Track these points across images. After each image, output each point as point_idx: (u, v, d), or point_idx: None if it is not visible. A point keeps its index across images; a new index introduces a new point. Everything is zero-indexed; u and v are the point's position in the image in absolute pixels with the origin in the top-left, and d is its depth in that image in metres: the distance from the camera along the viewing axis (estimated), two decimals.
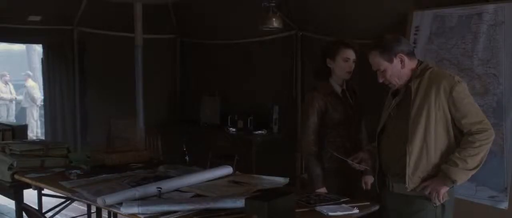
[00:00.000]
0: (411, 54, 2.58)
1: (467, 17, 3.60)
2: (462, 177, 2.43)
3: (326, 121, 3.04)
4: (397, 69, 2.54)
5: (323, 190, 2.95)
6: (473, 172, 2.43)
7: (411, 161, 2.47)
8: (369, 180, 3.23)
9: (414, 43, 3.85)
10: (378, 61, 2.55)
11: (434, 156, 2.47)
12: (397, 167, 2.55)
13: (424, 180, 2.49)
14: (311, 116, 3.03)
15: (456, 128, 2.46)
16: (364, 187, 3.23)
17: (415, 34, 3.93)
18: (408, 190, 2.50)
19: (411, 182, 2.49)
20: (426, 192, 2.48)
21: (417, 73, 2.53)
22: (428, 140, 2.45)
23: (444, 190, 2.46)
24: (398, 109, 2.59)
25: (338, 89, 3.09)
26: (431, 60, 3.68)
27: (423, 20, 3.88)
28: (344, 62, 3.04)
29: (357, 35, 3.83)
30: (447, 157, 2.46)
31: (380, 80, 2.58)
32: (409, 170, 2.48)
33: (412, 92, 2.49)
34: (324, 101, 3.03)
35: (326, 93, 3.05)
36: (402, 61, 2.53)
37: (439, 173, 2.46)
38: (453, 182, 2.44)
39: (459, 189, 3.22)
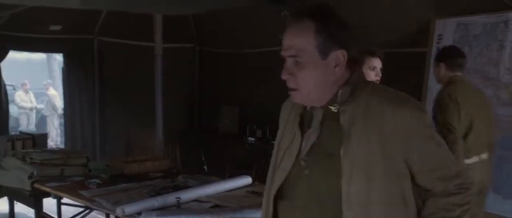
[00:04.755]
0: (353, 60, 1.48)
1: (492, 25, 3.53)
2: None
3: None
4: (323, 72, 1.44)
5: None
6: None
7: None
8: None
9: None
10: (303, 42, 1.43)
11: None
12: None
13: None
14: None
15: (417, 187, 1.48)
16: None
17: (438, 42, 3.87)
18: None
19: None
20: None
21: (347, 94, 1.45)
22: (372, 211, 1.41)
23: None
24: (313, 154, 1.49)
25: None
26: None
27: (446, 29, 3.82)
28: (371, 71, 3.01)
29: (378, 45, 3.77)
30: None
31: (284, 77, 1.48)
32: None
33: (344, 128, 1.43)
34: None
35: None
36: (338, 64, 1.45)
37: None
38: None
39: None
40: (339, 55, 1.44)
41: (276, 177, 1.58)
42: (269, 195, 1.58)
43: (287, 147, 1.56)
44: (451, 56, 3.23)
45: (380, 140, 1.40)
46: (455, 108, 2.95)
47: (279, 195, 1.56)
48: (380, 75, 3.04)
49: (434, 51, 3.79)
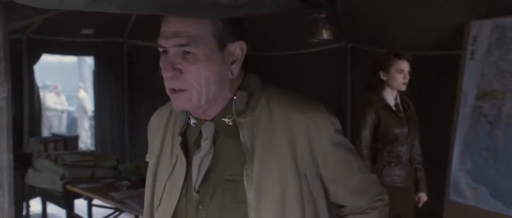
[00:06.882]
0: (247, 59, 1.21)
1: None
2: None
3: (379, 135, 2.95)
4: (220, 69, 1.14)
5: None
6: None
7: None
8: (423, 197, 3.14)
9: (472, 54, 3.68)
10: (198, 28, 1.12)
11: None
12: None
13: None
14: (364, 130, 2.95)
15: (330, 206, 1.28)
16: (419, 204, 3.13)
17: (473, 45, 3.75)
18: None
19: None
20: None
21: (244, 101, 1.18)
22: None
23: None
24: (208, 183, 1.19)
25: (392, 102, 3.01)
26: (490, 73, 3.51)
27: (481, 30, 3.71)
28: (398, 73, 2.97)
29: (410, 47, 3.70)
30: None
31: (168, 74, 1.13)
32: None
33: (245, 146, 1.15)
34: (377, 115, 2.95)
35: (379, 107, 2.98)
36: (235, 60, 1.16)
37: None
38: None
39: None
40: (237, 48, 1.15)
41: (162, 205, 1.22)
42: None
43: (168, 178, 1.22)
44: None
45: (292, 155, 1.14)
46: None
47: None
48: (408, 78, 2.99)
49: (468, 54, 3.69)
